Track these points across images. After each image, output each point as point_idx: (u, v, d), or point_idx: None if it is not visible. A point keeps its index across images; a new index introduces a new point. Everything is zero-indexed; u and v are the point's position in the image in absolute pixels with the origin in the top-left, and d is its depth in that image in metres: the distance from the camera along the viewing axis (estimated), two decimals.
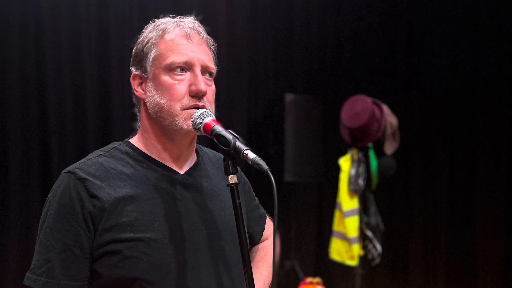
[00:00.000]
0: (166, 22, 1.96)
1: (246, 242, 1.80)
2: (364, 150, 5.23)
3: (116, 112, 5.37)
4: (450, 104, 6.90)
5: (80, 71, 5.24)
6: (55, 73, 5.13)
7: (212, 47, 2.01)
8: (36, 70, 5.09)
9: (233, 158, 1.78)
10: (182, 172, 1.97)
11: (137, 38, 2.00)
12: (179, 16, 1.99)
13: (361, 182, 5.14)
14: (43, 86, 5.10)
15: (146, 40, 1.95)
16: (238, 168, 1.82)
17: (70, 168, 1.87)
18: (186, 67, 1.90)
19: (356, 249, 5.14)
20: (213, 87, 1.98)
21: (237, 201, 1.78)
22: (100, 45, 5.35)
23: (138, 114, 2.02)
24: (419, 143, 6.91)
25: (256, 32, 6.34)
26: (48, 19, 5.13)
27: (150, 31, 1.96)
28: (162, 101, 1.88)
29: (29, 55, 5.06)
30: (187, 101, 1.88)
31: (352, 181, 5.14)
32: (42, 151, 5.10)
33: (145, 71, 1.94)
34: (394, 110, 5.43)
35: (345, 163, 5.28)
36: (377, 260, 5.26)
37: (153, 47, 1.92)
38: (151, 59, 1.92)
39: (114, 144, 2.01)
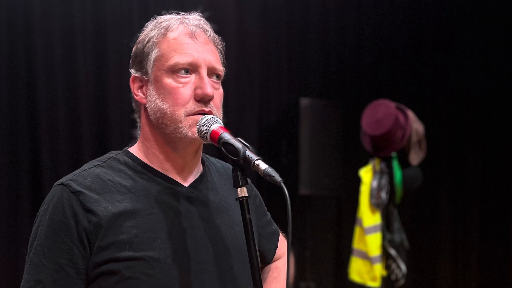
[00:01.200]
0: (169, 19, 1.96)
1: (257, 261, 1.80)
2: (387, 160, 5.21)
3: (114, 119, 5.37)
4: (482, 109, 6.88)
5: (74, 73, 5.25)
6: (46, 76, 5.15)
7: (219, 47, 2.01)
8: (26, 72, 5.10)
9: (243, 169, 1.78)
10: (186, 184, 1.97)
11: (137, 37, 2.00)
12: (183, 13, 1.99)
13: (383, 195, 5.12)
14: (33, 90, 5.11)
15: (147, 39, 1.95)
16: (248, 180, 1.82)
17: (63, 180, 1.88)
18: (191, 68, 1.90)
19: (378, 269, 5.13)
20: (221, 90, 1.98)
21: (247, 216, 1.78)
22: (96, 45, 5.36)
23: (138, 120, 2.02)
24: (447, 152, 6.88)
25: (268, 30, 6.34)
26: (38, 16, 5.15)
27: (151, 29, 1.96)
28: (165, 106, 1.88)
29: (18, 56, 5.08)
30: (192, 106, 1.88)
31: (374, 194, 5.12)
32: (32, 161, 5.11)
33: (145, 73, 1.94)
34: (420, 116, 5.41)
35: (366, 174, 5.26)
36: (402, 281, 5.23)
37: (154, 47, 1.92)
38: (152, 60, 1.92)
39: (112, 153, 2.01)
